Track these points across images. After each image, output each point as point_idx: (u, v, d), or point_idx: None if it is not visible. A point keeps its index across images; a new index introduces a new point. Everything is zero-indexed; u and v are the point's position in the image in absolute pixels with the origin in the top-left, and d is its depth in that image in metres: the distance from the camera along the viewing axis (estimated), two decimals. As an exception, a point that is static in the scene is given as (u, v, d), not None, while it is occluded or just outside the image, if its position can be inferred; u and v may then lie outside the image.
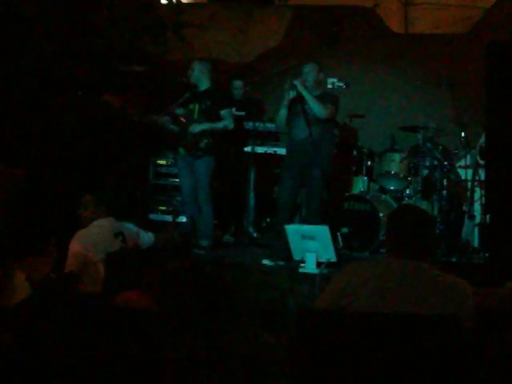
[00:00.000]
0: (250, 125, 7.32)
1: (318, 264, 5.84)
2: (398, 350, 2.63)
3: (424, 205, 6.82)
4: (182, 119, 6.82)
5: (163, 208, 7.92)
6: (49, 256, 4.81)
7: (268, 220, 7.78)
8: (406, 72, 8.71)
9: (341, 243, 6.78)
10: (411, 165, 7.09)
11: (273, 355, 4.14)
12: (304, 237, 5.96)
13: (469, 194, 6.90)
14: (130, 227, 5.22)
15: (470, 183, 6.93)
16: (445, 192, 6.89)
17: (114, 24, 7.14)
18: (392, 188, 7.28)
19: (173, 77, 7.60)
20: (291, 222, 6.60)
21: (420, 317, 2.72)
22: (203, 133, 6.72)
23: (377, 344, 2.64)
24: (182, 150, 6.88)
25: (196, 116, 6.82)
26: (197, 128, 6.72)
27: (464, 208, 7.07)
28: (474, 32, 8.55)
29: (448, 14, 8.85)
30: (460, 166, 7.19)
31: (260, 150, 7.43)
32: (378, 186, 7.51)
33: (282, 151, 7.17)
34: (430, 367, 2.61)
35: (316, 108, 6.31)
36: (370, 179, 7.47)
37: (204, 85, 6.88)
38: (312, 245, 5.95)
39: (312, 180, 6.36)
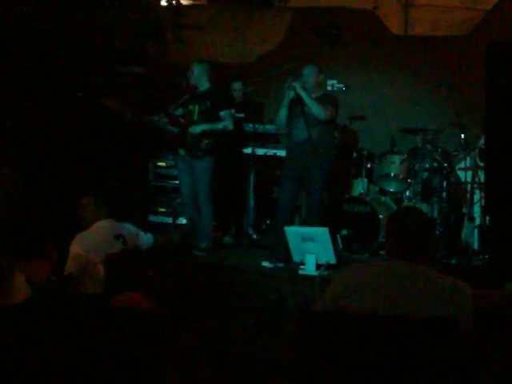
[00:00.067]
0: (249, 126, 7.32)
1: (318, 266, 5.84)
2: (397, 351, 2.63)
3: (424, 207, 6.82)
4: (181, 120, 6.82)
5: (163, 210, 7.92)
6: (48, 257, 4.82)
7: (268, 222, 7.77)
8: (406, 74, 8.71)
9: (340, 245, 6.79)
10: (411, 167, 7.08)
11: (273, 356, 4.14)
12: (304, 239, 5.96)
13: (468, 195, 6.90)
14: (129, 228, 5.23)
15: (469, 185, 6.93)
16: (444, 194, 6.89)
17: (114, 25, 7.15)
18: (392, 190, 7.27)
19: (172, 78, 7.60)
20: (291, 223, 6.60)
21: (420, 319, 2.72)
22: (203, 133, 6.72)
23: (376, 345, 2.64)
24: (181, 151, 6.87)
25: (196, 117, 6.82)
26: (197, 129, 6.73)
27: (464, 210, 7.07)
28: (473, 34, 8.55)
29: (448, 16, 8.86)
30: (460, 168, 7.19)
31: (260, 151, 7.42)
32: (377, 188, 7.51)
33: (281, 153, 7.17)
34: (429, 369, 2.61)
35: (315, 110, 6.31)
36: (370, 181, 7.47)
37: (204, 86, 6.88)
38: (312, 247, 5.95)
39: (312, 182, 6.36)
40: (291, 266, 6.08)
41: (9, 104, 6.54)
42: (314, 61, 6.85)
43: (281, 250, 6.30)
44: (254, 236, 7.38)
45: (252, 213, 7.51)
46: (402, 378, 2.62)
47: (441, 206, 6.83)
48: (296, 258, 6.06)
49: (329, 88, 7.64)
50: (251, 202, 7.49)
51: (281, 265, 6.25)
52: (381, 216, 6.82)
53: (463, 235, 6.93)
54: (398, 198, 7.27)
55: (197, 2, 9.37)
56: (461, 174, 7.17)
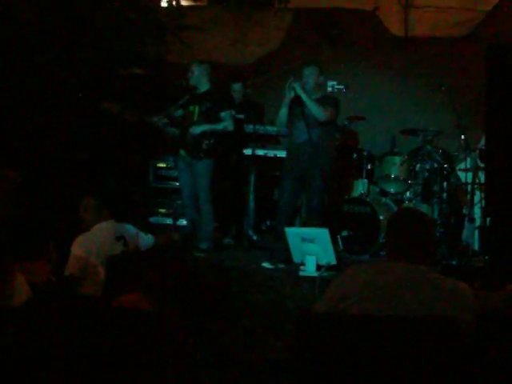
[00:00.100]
0: (250, 127, 7.32)
1: (318, 267, 5.85)
2: (397, 353, 2.63)
3: (424, 208, 6.82)
4: (181, 121, 6.83)
5: (163, 211, 7.92)
6: (48, 258, 4.81)
7: (268, 223, 7.77)
8: (406, 75, 8.71)
9: (341, 246, 6.79)
10: (411, 168, 7.09)
11: (273, 357, 4.14)
12: (304, 240, 5.97)
13: (469, 196, 6.90)
14: (130, 229, 5.22)
15: (470, 186, 6.93)
16: (445, 195, 6.89)
17: (115, 26, 7.14)
18: (392, 191, 7.28)
19: (173, 79, 7.60)
20: (291, 224, 6.60)
21: (420, 319, 2.71)
22: (204, 134, 6.73)
23: (377, 347, 2.64)
24: (182, 152, 6.88)
25: (196, 118, 6.83)
26: (197, 129, 6.73)
27: (464, 211, 7.07)
28: (474, 35, 8.55)
29: (448, 17, 8.83)
30: (460, 169, 7.19)
31: (260, 152, 7.42)
32: (378, 189, 7.51)
33: (282, 154, 7.17)
34: (429, 370, 2.60)
35: (315, 111, 6.31)
36: (370, 182, 7.48)
37: (204, 87, 6.89)
38: (312, 248, 5.95)
39: (312, 183, 6.36)
40: (291, 267, 6.08)
41: (9, 104, 6.54)
42: (315, 62, 6.84)
43: (281, 251, 6.30)
44: (255, 237, 7.38)
45: (252, 214, 7.51)
46: (402, 378, 2.62)
47: (441, 207, 6.83)
48: (296, 259, 6.06)
49: (329, 89, 7.65)
50: (251, 203, 7.48)
51: (281, 266, 6.26)
52: (381, 217, 6.83)
53: (463, 236, 6.93)
54: (398, 199, 7.27)
55: (197, 3, 9.37)
56: (461, 174, 7.18)
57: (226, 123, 6.81)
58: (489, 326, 3.04)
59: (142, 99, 7.59)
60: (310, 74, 6.47)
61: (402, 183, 7.18)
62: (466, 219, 6.92)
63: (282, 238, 6.19)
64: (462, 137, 6.91)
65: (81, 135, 7.03)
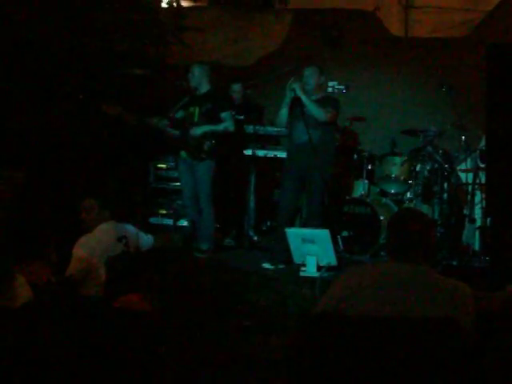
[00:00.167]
0: (250, 128, 7.32)
1: (319, 267, 5.85)
2: (398, 353, 2.63)
3: (424, 208, 6.82)
4: (182, 123, 6.83)
5: (164, 212, 7.92)
6: (49, 259, 4.82)
7: (268, 223, 7.77)
8: (407, 75, 8.72)
9: (341, 246, 6.79)
10: (412, 168, 7.08)
11: (273, 358, 4.14)
12: (304, 240, 5.97)
13: (469, 197, 6.89)
14: (130, 229, 5.23)
15: (470, 186, 6.92)
16: (445, 195, 6.88)
17: (115, 27, 7.15)
18: (392, 191, 7.28)
19: (173, 80, 7.60)
20: (292, 225, 6.60)
21: (420, 320, 2.71)
22: (205, 135, 6.73)
23: (377, 347, 2.64)
24: (183, 154, 6.88)
25: (196, 119, 6.83)
26: (198, 131, 6.73)
27: (465, 211, 7.06)
28: (474, 35, 8.55)
29: (448, 18, 8.84)
30: (461, 170, 7.19)
31: (260, 153, 7.42)
32: (378, 190, 7.51)
33: (282, 155, 7.17)
34: (430, 370, 2.60)
35: (315, 112, 6.31)
36: (371, 182, 7.47)
37: (204, 88, 6.89)
38: (312, 248, 5.96)
39: (312, 183, 6.36)
40: (292, 268, 6.09)
41: (10, 105, 6.54)
42: (315, 62, 6.84)
43: (281, 252, 6.31)
44: (255, 238, 7.38)
45: (252, 214, 7.51)
46: (402, 379, 2.62)
47: (442, 208, 6.83)
48: (297, 260, 6.07)
49: (329, 89, 7.64)
50: (252, 204, 7.48)
51: (282, 266, 6.26)
52: (381, 217, 6.83)
53: (464, 237, 6.93)
54: (398, 200, 7.27)
55: (197, 4, 9.37)
56: (462, 175, 7.17)
57: (227, 124, 6.81)
58: (489, 326, 3.04)
59: (142, 100, 7.59)
60: (311, 75, 6.47)
61: (403, 184, 7.17)
62: (467, 220, 6.92)
63: (282, 239, 6.19)
64: (463, 137, 6.91)
65: (81, 136, 7.03)
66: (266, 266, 6.32)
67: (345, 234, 6.90)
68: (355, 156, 7.48)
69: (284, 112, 6.47)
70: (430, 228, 3.13)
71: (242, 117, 7.43)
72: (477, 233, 6.85)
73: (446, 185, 6.93)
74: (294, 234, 6.07)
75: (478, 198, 6.87)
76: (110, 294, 4.27)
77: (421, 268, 2.93)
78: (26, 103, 6.64)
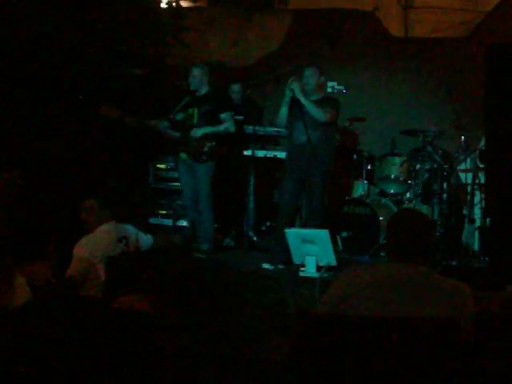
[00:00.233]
0: (249, 128, 7.32)
1: (318, 268, 5.85)
2: (397, 353, 2.63)
3: (424, 208, 6.82)
4: (182, 124, 6.83)
5: (163, 212, 7.92)
6: (48, 260, 4.81)
7: (268, 224, 7.77)
8: (406, 75, 8.71)
9: (341, 247, 6.79)
10: (411, 168, 7.08)
11: (273, 358, 4.14)
12: (304, 240, 5.97)
13: (469, 197, 6.90)
14: (130, 229, 5.23)
15: (470, 187, 6.92)
16: (445, 196, 6.89)
17: (114, 27, 7.14)
18: (392, 192, 7.28)
19: (173, 80, 7.60)
20: (291, 225, 6.60)
21: (420, 320, 2.71)
22: (205, 137, 6.73)
23: (377, 348, 2.64)
24: (182, 155, 6.88)
25: (195, 120, 6.83)
26: (199, 132, 6.73)
27: (464, 212, 7.07)
28: (473, 35, 8.55)
29: (448, 18, 8.83)
30: (460, 170, 7.19)
31: (260, 153, 7.42)
32: (378, 190, 7.51)
33: (281, 155, 7.17)
34: (430, 370, 2.61)
35: (314, 113, 6.31)
36: (370, 183, 7.48)
37: (203, 89, 6.89)
38: (312, 248, 5.96)
39: (312, 184, 6.36)
40: (291, 268, 6.09)
41: (9, 105, 6.54)
42: (315, 62, 6.84)
43: (281, 252, 6.31)
44: (255, 238, 7.38)
45: (252, 215, 7.51)
46: (402, 379, 2.62)
47: (441, 208, 6.83)
48: (296, 260, 6.07)
49: (329, 90, 7.66)
50: (251, 204, 7.48)
51: (281, 266, 6.26)
52: (381, 218, 6.83)
53: (464, 237, 6.93)
54: (398, 200, 7.27)
55: (197, 4, 9.36)
56: (461, 175, 7.18)
57: (227, 124, 6.82)
58: (489, 326, 3.04)
59: (142, 101, 7.59)
60: (311, 75, 6.46)
61: (402, 184, 7.18)
62: (466, 220, 6.93)
63: (282, 239, 6.19)
64: (462, 137, 6.92)
65: (81, 136, 7.03)
66: (266, 266, 6.32)
67: (344, 234, 6.90)
68: (355, 156, 7.48)
69: (284, 112, 6.47)
70: (429, 228, 3.14)
71: (241, 117, 7.43)
72: (476, 233, 6.86)
73: (445, 185, 6.94)
74: (293, 234, 6.07)
75: (477, 199, 6.88)
76: (110, 294, 4.27)
77: (420, 268, 2.93)
78: (26, 103, 6.64)
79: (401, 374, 2.61)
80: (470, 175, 7.01)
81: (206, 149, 6.71)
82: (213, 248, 6.82)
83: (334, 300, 2.95)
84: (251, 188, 7.46)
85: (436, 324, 2.68)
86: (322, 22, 8.92)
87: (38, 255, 4.87)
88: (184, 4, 8.69)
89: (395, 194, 7.28)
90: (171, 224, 7.73)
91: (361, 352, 2.65)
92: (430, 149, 6.94)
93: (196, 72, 6.84)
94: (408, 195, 7.21)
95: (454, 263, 6.40)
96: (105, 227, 5.03)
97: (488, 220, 6.27)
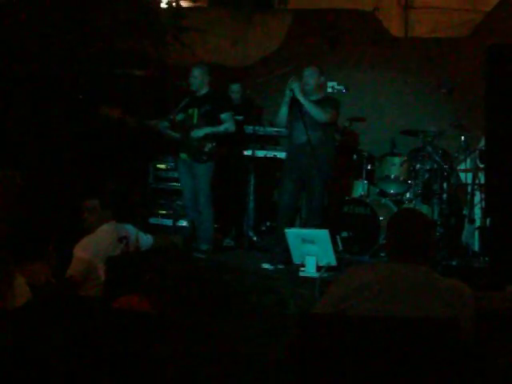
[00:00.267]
0: (249, 128, 7.32)
1: (318, 268, 5.85)
2: (397, 353, 2.63)
3: (424, 208, 6.82)
4: (182, 125, 6.83)
5: (163, 212, 7.92)
6: (48, 260, 4.81)
7: (268, 224, 7.77)
8: (406, 76, 8.71)
9: (341, 247, 6.79)
10: (411, 168, 7.09)
11: (273, 358, 4.14)
12: (304, 240, 5.97)
13: (469, 197, 6.90)
14: (131, 229, 5.23)
15: (470, 187, 6.92)
16: (445, 196, 6.89)
17: (114, 28, 7.14)
18: (392, 192, 7.28)
19: (173, 80, 7.60)
20: (291, 225, 6.60)
21: (420, 320, 2.71)
22: (206, 137, 6.73)
23: (377, 348, 2.64)
24: (182, 155, 6.88)
25: (195, 120, 6.83)
26: (200, 132, 6.73)
27: (464, 212, 7.07)
28: (473, 35, 8.55)
29: (448, 18, 8.83)
30: (460, 170, 7.19)
31: (260, 153, 7.42)
32: (378, 190, 7.51)
33: (281, 155, 7.17)
34: (430, 370, 2.60)
35: (314, 113, 6.31)
36: (370, 183, 7.48)
37: (203, 89, 6.89)
38: (312, 248, 5.96)
39: (312, 184, 6.36)
40: (291, 268, 6.09)
41: (9, 105, 6.54)
42: (315, 62, 6.84)
43: (281, 252, 6.31)
44: (255, 238, 7.38)
45: (252, 215, 7.51)
46: (402, 379, 2.62)
47: (441, 208, 6.83)
48: (296, 260, 6.07)
49: (329, 90, 7.65)
50: (251, 204, 7.49)
51: (281, 266, 6.26)
52: (381, 218, 6.83)
53: (464, 237, 6.93)
54: (398, 200, 7.27)
55: (197, 5, 9.35)
56: (461, 175, 7.18)
57: (228, 125, 6.82)
58: (489, 326, 3.04)
59: (142, 101, 7.59)
60: (311, 75, 6.46)
61: (402, 184, 7.18)
62: (466, 220, 6.92)
63: (281, 239, 6.20)
64: (462, 137, 6.91)
65: (81, 136, 7.04)
66: (266, 266, 6.32)
67: (344, 234, 6.90)
68: (355, 156, 7.49)
69: (284, 112, 6.46)
70: (429, 228, 3.13)
71: (240, 117, 7.43)
72: (476, 233, 6.86)
73: (445, 185, 6.94)
74: (293, 234, 6.07)
75: (477, 199, 6.88)
76: (110, 294, 4.27)
77: (421, 268, 2.93)
78: (26, 103, 6.64)
79: (401, 374, 2.61)
80: (470, 175, 7.01)
81: (206, 149, 6.72)
82: (213, 248, 6.83)
83: (334, 300, 2.95)
84: (251, 188, 7.46)
85: (436, 324, 2.68)
86: (322, 21, 8.92)
87: (38, 255, 4.87)
88: (184, 4, 8.69)
89: (395, 194, 7.28)
90: (171, 224, 7.73)
91: (361, 352, 2.65)
92: (429, 149, 6.94)
93: (196, 73, 6.85)
94: (408, 195, 7.21)
95: (454, 263, 6.40)
96: (105, 227, 5.03)
97: (488, 220, 6.27)
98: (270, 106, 8.07)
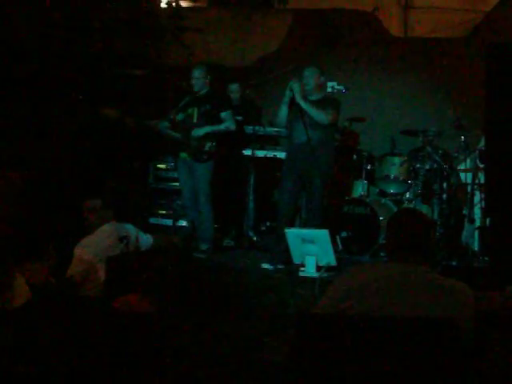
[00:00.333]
0: (249, 128, 7.32)
1: (318, 268, 5.85)
2: (397, 353, 2.63)
3: (424, 208, 6.82)
4: (182, 125, 6.83)
5: (163, 212, 7.92)
6: (48, 260, 4.81)
7: (268, 224, 7.77)
8: (406, 76, 8.72)
9: (340, 247, 6.79)
10: (411, 168, 7.08)
11: (273, 358, 4.14)
12: (304, 240, 5.97)
13: (469, 197, 6.90)
14: (131, 229, 5.22)
15: (469, 187, 6.92)
16: (445, 195, 6.89)
17: (114, 28, 7.15)
18: (392, 192, 7.28)
19: (173, 80, 7.60)
20: (291, 225, 6.60)
21: (420, 320, 2.71)
22: (207, 136, 6.74)
23: (377, 347, 2.64)
24: (182, 155, 6.88)
25: (195, 120, 6.84)
26: (200, 131, 6.74)
27: (464, 211, 7.07)
28: (473, 35, 8.56)
29: (448, 18, 8.85)
30: (460, 170, 7.19)
31: (260, 153, 7.42)
32: (377, 190, 7.51)
33: (281, 155, 7.17)
34: (430, 370, 2.60)
35: (315, 116, 6.29)
36: (370, 183, 7.47)
37: (203, 89, 6.89)
38: (312, 248, 5.96)
39: (312, 184, 6.36)
40: (291, 268, 6.08)
41: (9, 105, 6.54)
42: (315, 62, 6.84)
43: (281, 252, 6.31)
44: (254, 238, 7.38)
45: (252, 215, 7.51)
46: (402, 379, 2.62)
47: (441, 208, 6.83)
48: (296, 260, 6.07)
49: (329, 89, 7.65)
50: (251, 204, 7.49)
51: (281, 266, 6.26)
52: (381, 218, 6.82)
53: (463, 237, 6.93)
54: (398, 200, 7.27)
55: (197, 4, 9.36)
56: (461, 175, 7.18)
57: (228, 123, 6.83)
58: (489, 326, 3.04)
59: (142, 101, 7.59)
60: (311, 75, 6.45)
61: (402, 184, 7.18)
62: (466, 220, 6.92)
63: (281, 239, 6.19)
64: (462, 137, 6.91)
65: (81, 136, 7.04)
66: (266, 266, 6.32)
67: (344, 234, 6.91)
68: (355, 156, 7.48)
69: (283, 112, 6.46)
70: (429, 228, 3.13)
71: (240, 117, 7.43)
72: (476, 233, 6.86)
73: (445, 185, 6.94)
74: (293, 234, 6.07)
75: (477, 199, 6.88)
76: (110, 294, 4.27)
77: (420, 268, 2.93)
78: (26, 103, 6.64)
79: (401, 374, 2.61)
80: (469, 175, 7.01)
81: (206, 148, 6.72)
82: (213, 248, 6.83)
83: (334, 300, 2.94)
84: (251, 188, 7.46)
85: (436, 324, 2.67)
86: (322, 21, 8.92)
87: (38, 255, 4.86)
88: (184, 4, 8.70)
89: (395, 194, 7.28)
90: (171, 224, 7.73)
91: (361, 352, 2.64)
92: (429, 149, 6.94)
93: (197, 74, 6.85)
94: (408, 195, 7.21)
95: (454, 263, 6.40)
96: (106, 227, 5.03)
97: (488, 220, 6.27)
98: (269, 106, 8.07)
